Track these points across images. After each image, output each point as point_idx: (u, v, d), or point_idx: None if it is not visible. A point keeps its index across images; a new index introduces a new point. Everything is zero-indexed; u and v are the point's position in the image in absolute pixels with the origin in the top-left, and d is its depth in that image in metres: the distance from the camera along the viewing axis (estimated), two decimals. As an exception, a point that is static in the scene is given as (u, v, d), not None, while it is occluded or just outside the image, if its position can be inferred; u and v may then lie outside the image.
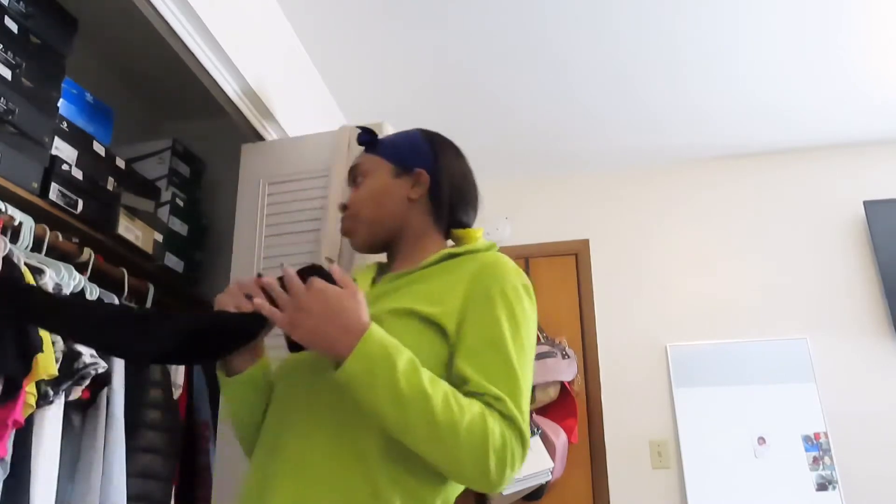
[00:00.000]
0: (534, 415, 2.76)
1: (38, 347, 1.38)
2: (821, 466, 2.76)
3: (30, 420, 1.41)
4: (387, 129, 2.03)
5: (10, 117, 1.62)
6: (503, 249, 1.13)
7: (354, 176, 1.17)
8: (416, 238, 1.13)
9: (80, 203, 1.85)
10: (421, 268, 1.06)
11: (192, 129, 2.68)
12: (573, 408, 2.89)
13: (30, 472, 1.39)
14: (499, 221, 3.30)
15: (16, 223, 1.60)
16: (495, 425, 0.87)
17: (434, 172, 1.14)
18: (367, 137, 1.19)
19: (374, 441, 0.90)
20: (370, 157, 1.17)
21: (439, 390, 0.87)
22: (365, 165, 1.17)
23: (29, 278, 1.48)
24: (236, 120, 2.14)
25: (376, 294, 1.04)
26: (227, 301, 0.95)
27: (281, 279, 0.93)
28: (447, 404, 0.86)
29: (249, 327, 0.95)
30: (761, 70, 2.70)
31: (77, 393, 1.54)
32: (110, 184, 2.00)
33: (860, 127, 3.11)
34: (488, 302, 0.97)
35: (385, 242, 1.15)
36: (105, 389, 1.64)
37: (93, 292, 1.77)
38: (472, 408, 0.87)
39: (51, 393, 1.44)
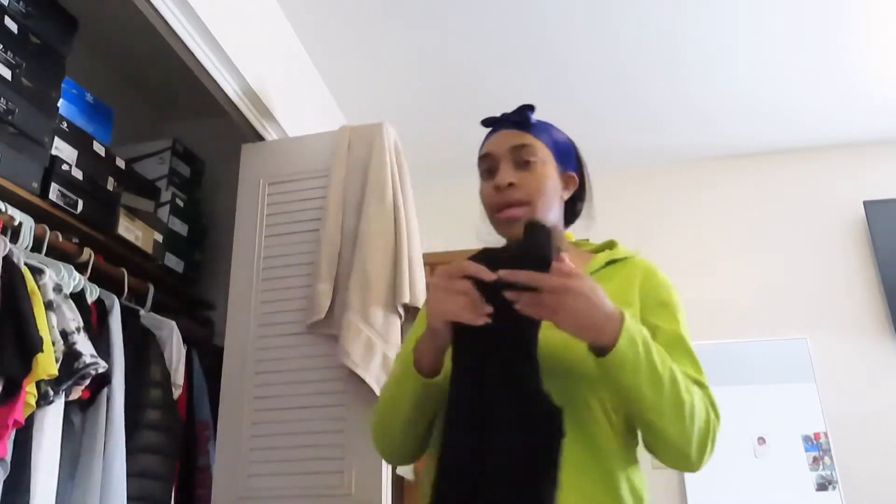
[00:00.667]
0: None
1: (38, 347, 1.38)
2: (821, 466, 2.76)
3: (30, 420, 1.40)
4: (387, 129, 2.03)
5: (10, 117, 1.62)
6: None
7: (525, 157, 1.10)
8: (558, 238, 1.14)
9: (80, 203, 1.85)
10: (590, 272, 1.08)
11: (192, 129, 2.68)
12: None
13: (30, 472, 1.39)
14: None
15: (16, 223, 1.60)
16: (710, 410, 0.95)
17: (582, 180, 1.18)
18: (532, 114, 1.15)
19: (612, 442, 0.96)
20: (542, 144, 1.12)
21: (680, 372, 0.92)
22: (540, 151, 1.11)
23: (29, 278, 1.48)
24: (236, 120, 2.14)
25: None
26: (453, 308, 0.88)
27: (473, 280, 0.88)
28: (686, 387, 0.92)
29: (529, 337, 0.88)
30: (761, 70, 2.70)
31: (77, 393, 1.54)
32: (110, 184, 2.00)
33: (860, 127, 3.11)
34: (664, 307, 1.06)
35: None
36: (105, 389, 1.64)
37: (93, 292, 1.77)
38: (697, 392, 0.94)
39: (51, 393, 1.44)
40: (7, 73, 1.63)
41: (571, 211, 1.21)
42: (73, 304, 1.60)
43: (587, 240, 1.27)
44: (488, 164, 1.13)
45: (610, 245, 1.19)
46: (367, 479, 1.72)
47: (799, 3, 2.36)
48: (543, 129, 1.15)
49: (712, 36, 2.51)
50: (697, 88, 2.81)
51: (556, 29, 2.46)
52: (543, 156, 1.11)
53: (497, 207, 1.10)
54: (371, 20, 2.42)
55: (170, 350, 1.95)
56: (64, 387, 1.48)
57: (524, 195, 1.08)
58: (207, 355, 2.18)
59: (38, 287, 1.50)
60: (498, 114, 1.18)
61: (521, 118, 1.14)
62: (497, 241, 1.20)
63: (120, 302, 1.84)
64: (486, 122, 1.19)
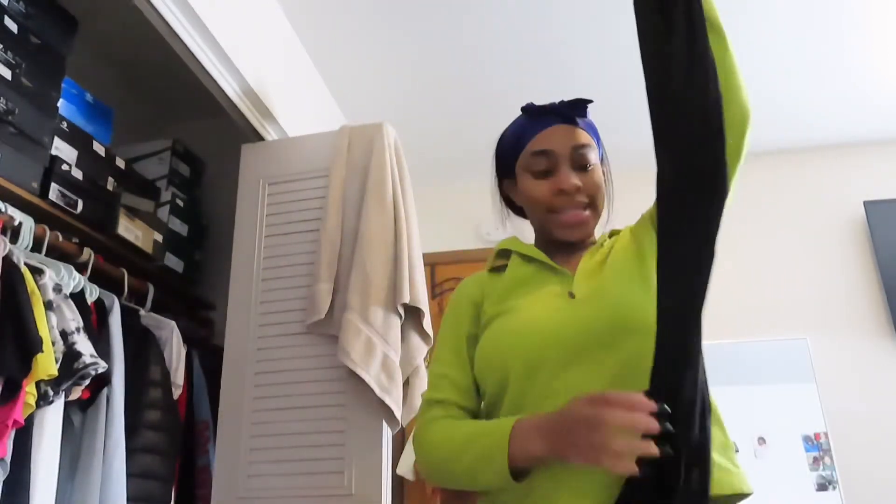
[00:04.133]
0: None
1: (38, 347, 1.38)
2: (821, 467, 2.76)
3: (30, 420, 1.40)
4: (387, 129, 2.03)
5: (10, 117, 1.62)
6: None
7: (586, 159, 1.07)
8: (592, 235, 1.14)
9: (80, 203, 1.85)
10: (599, 244, 1.11)
11: (192, 129, 2.68)
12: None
13: (30, 472, 1.39)
14: (499, 220, 3.30)
15: (16, 223, 1.60)
16: None
17: (606, 169, 1.17)
18: (587, 110, 1.11)
19: None
20: (594, 144, 1.10)
21: None
22: (595, 152, 1.09)
23: (29, 278, 1.48)
24: (236, 120, 2.14)
25: (591, 270, 1.05)
26: (625, 454, 0.75)
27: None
28: None
29: None
30: (762, 69, 2.70)
31: (77, 393, 1.54)
32: (110, 184, 2.00)
33: (860, 127, 3.11)
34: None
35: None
36: (105, 389, 1.64)
37: (93, 292, 1.77)
38: None
39: (51, 393, 1.44)
40: (7, 73, 1.63)
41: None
42: (73, 304, 1.60)
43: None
44: (547, 164, 1.07)
45: None
46: (367, 479, 1.72)
47: (799, 3, 2.36)
48: (591, 126, 1.13)
49: (712, 36, 2.51)
50: (697, 88, 2.81)
51: (556, 29, 2.46)
52: (597, 156, 1.10)
53: (559, 209, 1.07)
54: (371, 20, 2.42)
55: (170, 350, 1.95)
56: (64, 387, 1.48)
57: (587, 198, 1.07)
58: (207, 355, 2.18)
59: (38, 287, 1.50)
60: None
61: (580, 114, 1.10)
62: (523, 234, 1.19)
63: (120, 302, 1.84)
64: (533, 110, 1.12)
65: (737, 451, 0.95)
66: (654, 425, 0.75)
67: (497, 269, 1.14)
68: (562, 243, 1.10)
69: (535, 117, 1.11)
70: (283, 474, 1.76)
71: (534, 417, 0.88)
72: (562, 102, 1.10)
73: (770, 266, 3.13)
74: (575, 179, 1.06)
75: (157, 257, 2.17)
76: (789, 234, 3.17)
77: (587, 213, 1.07)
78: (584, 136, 1.08)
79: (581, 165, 1.07)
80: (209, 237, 2.51)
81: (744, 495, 0.92)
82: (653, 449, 0.74)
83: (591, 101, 1.10)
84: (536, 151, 1.08)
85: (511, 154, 1.14)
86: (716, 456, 0.88)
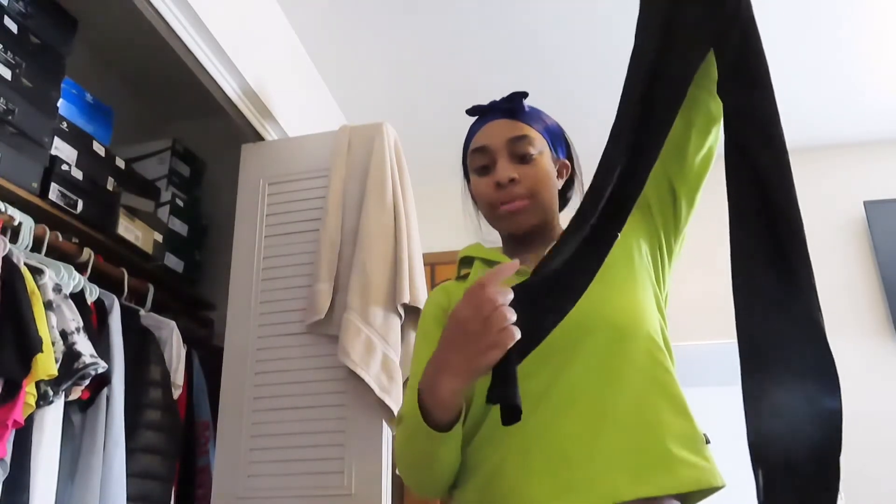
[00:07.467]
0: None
1: (38, 347, 1.38)
2: (821, 466, 2.76)
3: (30, 420, 1.40)
4: (387, 129, 2.03)
5: (10, 117, 1.62)
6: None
7: (524, 150, 1.05)
8: (555, 229, 1.10)
9: (80, 203, 1.85)
10: None
11: (192, 129, 2.68)
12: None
13: (29, 472, 1.39)
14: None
15: (16, 223, 1.60)
16: None
17: (574, 168, 1.16)
18: (524, 100, 1.10)
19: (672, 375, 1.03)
20: (538, 134, 1.08)
21: None
22: (537, 142, 1.07)
23: (28, 278, 1.48)
24: (236, 120, 2.14)
25: None
26: (507, 340, 0.79)
27: None
28: None
29: None
30: (761, 70, 2.70)
31: (77, 393, 1.54)
32: (110, 184, 2.00)
33: (860, 127, 3.11)
34: None
35: (540, 230, 1.08)
36: (105, 389, 1.64)
37: (93, 292, 1.77)
38: None
39: (51, 393, 1.44)
40: (7, 73, 1.63)
41: (563, 198, 1.17)
42: (73, 305, 1.60)
43: None
44: (485, 159, 1.07)
45: None
46: (367, 479, 1.72)
47: (799, 4, 2.36)
48: (536, 117, 1.11)
49: (712, 36, 2.51)
50: (697, 88, 2.81)
51: (555, 29, 2.46)
52: (540, 146, 1.07)
53: (497, 203, 1.06)
54: (371, 20, 2.42)
55: (170, 350, 1.95)
56: (64, 387, 1.48)
57: (525, 190, 1.04)
58: (207, 355, 2.18)
59: (38, 287, 1.50)
60: None
61: (514, 106, 1.09)
62: (495, 239, 1.19)
63: (120, 302, 1.84)
64: (475, 111, 1.13)
65: (708, 442, 0.95)
66: (497, 321, 0.77)
67: (463, 278, 1.13)
68: (522, 239, 1.09)
69: (480, 117, 1.13)
70: (283, 474, 1.76)
71: (428, 365, 0.86)
72: (502, 98, 1.11)
73: (770, 266, 3.12)
74: (510, 171, 1.04)
75: (157, 257, 2.17)
76: (789, 234, 3.16)
77: (522, 202, 1.04)
78: (521, 128, 1.07)
79: (519, 156, 1.06)
80: (209, 237, 2.50)
81: (715, 489, 0.92)
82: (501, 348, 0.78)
83: (526, 95, 1.09)
84: (475, 149, 1.10)
85: (464, 157, 1.16)
86: (678, 450, 0.89)
